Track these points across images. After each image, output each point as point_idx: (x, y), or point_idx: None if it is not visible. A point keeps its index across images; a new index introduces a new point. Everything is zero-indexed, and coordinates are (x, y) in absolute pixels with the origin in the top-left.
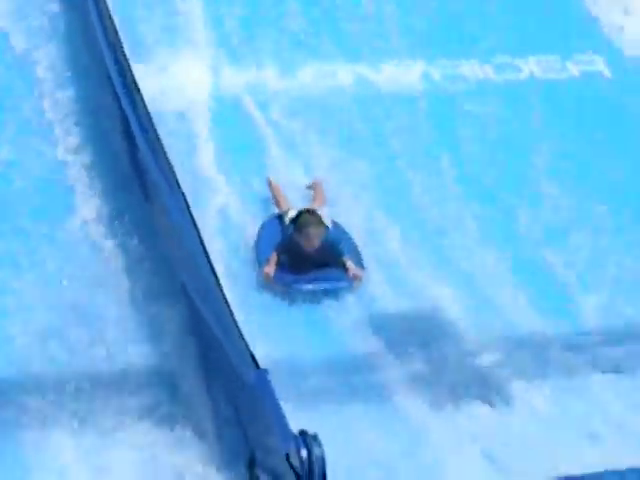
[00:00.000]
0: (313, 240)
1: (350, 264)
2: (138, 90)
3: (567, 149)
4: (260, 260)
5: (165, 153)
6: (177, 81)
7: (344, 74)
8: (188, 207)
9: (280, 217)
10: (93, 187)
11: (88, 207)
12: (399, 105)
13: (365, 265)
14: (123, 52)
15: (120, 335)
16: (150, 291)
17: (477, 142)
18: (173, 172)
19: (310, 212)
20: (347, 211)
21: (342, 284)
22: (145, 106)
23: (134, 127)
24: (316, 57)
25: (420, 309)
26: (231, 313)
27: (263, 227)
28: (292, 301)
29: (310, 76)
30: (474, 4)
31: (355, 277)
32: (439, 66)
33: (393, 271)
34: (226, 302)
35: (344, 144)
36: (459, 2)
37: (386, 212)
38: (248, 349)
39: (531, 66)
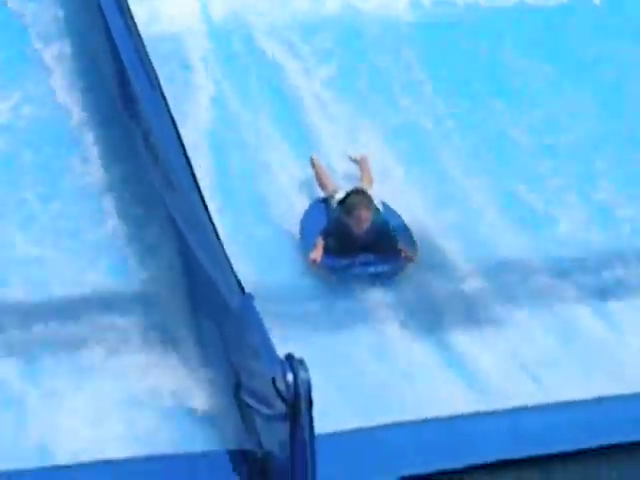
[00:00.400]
0: (363, 223)
1: (404, 248)
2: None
3: (558, 72)
4: (306, 245)
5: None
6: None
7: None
8: (176, 128)
9: (326, 200)
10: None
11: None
12: (386, 32)
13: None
14: None
15: (107, 257)
16: (137, 215)
17: (466, 67)
18: (163, 96)
19: (360, 192)
20: None
21: (394, 268)
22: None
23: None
24: None
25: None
26: (218, 239)
27: (308, 213)
28: (277, 228)
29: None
30: None
31: (408, 259)
32: None
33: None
34: (214, 227)
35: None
36: None
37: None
38: (234, 274)
39: None
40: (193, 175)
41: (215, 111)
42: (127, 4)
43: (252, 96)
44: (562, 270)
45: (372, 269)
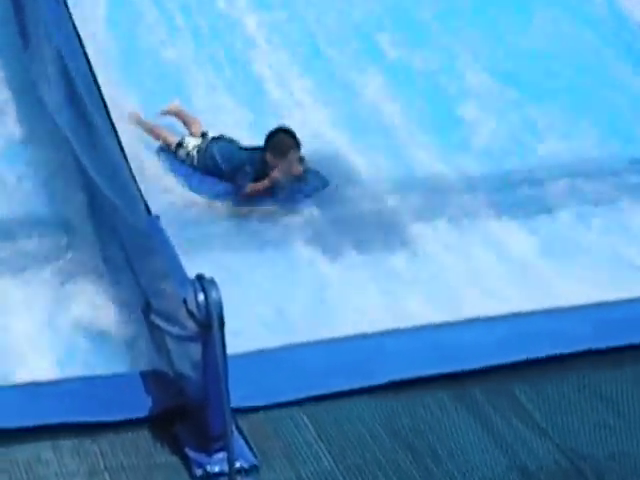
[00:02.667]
0: (297, 165)
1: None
2: None
3: None
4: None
5: None
6: None
7: None
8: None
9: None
10: None
11: None
12: None
13: None
14: None
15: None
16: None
17: None
18: None
19: (288, 131)
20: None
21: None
22: None
23: None
24: None
25: (318, 153)
26: (125, 159)
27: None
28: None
29: None
30: None
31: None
32: None
33: (291, 115)
34: (120, 146)
35: None
36: None
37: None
38: (140, 195)
39: None
40: (98, 88)
41: None
42: None
43: None
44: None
45: (307, 191)
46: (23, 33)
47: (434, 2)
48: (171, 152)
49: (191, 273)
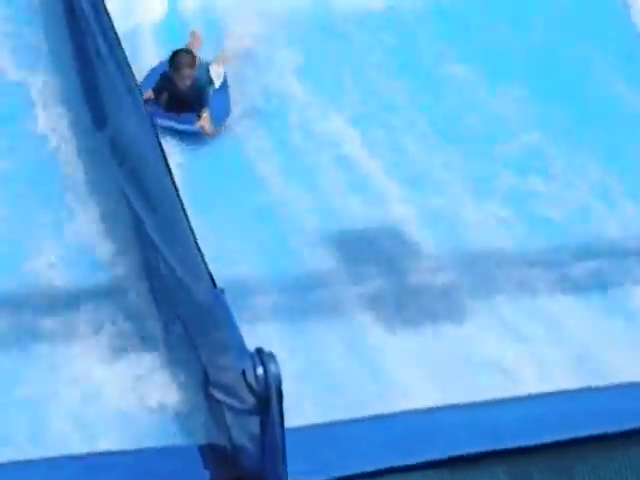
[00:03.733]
0: (185, 79)
1: (205, 116)
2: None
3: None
4: (142, 86)
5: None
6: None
7: None
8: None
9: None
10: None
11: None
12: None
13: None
14: None
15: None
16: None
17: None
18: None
19: (186, 51)
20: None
21: (190, 129)
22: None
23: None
24: None
25: (377, 225)
26: (190, 227)
27: (154, 69)
28: (246, 217)
29: None
30: None
31: (202, 128)
32: None
33: (352, 184)
34: (185, 214)
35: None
36: None
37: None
38: (206, 267)
39: None
40: (167, 166)
41: None
42: None
43: None
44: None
45: (173, 125)
46: (98, 115)
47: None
48: None
49: (250, 344)
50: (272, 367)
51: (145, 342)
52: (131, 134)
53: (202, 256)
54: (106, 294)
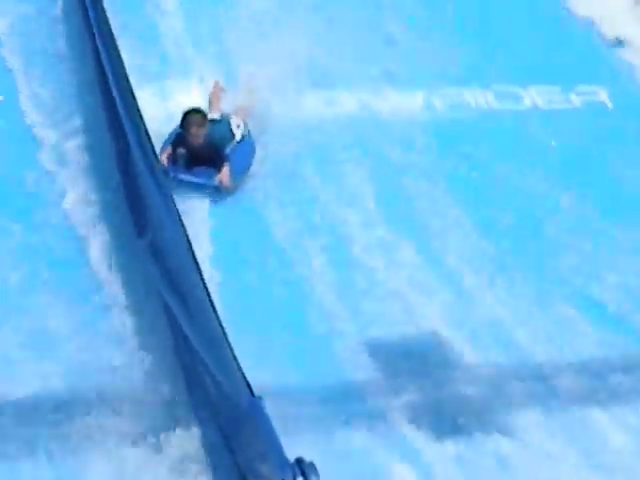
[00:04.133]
0: (195, 138)
1: (225, 170)
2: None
3: (567, 179)
4: (161, 148)
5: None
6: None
7: (347, 101)
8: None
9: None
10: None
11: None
12: (401, 132)
13: (239, 183)
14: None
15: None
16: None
17: (478, 169)
18: None
19: (198, 111)
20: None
21: (209, 183)
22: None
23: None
24: (319, 84)
25: (416, 334)
26: (225, 335)
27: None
28: (287, 326)
29: (313, 103)
30: (476, 32)
31: (221, 183)
32: (441, 94)
33: (389, 295)
34: (219, 323)
35: (347, 173)
36: (461, 30)
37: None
38: (243, 376)
39: (533, 96)
40: (200, 273)
41: None
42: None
43: None
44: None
45: (193, 179)
46: (138, 221)
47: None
48: None
49: (290, 454)
50: (313, 477)
51: (183, 445)
52: (169, 242)
53: (239, 363)
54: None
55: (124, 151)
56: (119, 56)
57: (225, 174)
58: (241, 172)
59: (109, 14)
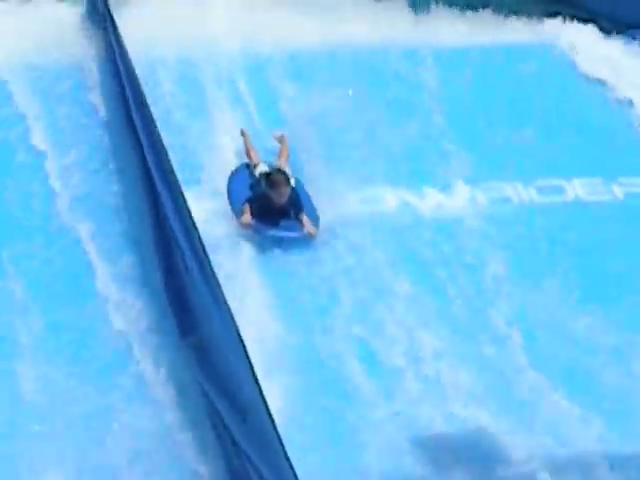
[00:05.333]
0: (283, 197)
1: (306, 220)
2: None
3: (612, 270)
4: (234, 209)
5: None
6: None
7: (389, 199)
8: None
9: (248, 167)
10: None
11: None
12: (444, 229)
13: (319, 225)
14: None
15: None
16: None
17: (524, 263)
18: None
19: (281, 172)
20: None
21: (298, 235)
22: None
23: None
24: (361, 181)
25: (461, 428)
26: (275, 430)
27: (233, 174)
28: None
29: (355, 201)
30: (517, 125)
31: (309, 233)
32: (484, 189)
33: (432, 388)
34: (269, 414)
35: (388, 269)
36: (502, 123)
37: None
38: (288, 461)
39: (576, 188)
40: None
41: None
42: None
43: None
44: None
45: (281, 233)
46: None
47: None
48: (250, 168)
49: None
50: None
51: None
52: (217, 345)
53: (292, 465)
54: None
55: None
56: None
57: (308, 223)
58: (315, 216)
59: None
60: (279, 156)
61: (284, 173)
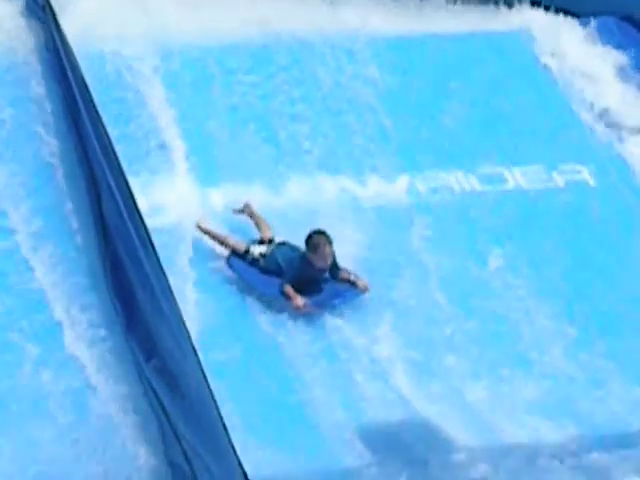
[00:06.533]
0: (328, 257)
1: (354, 276)
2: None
3: (551, 258)
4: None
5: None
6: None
7: (329, 188)
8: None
9: (234, 254)
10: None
11: None
12: (385, 218)
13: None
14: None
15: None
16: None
17: (462, 252)
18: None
19: (320, 232)
20: None
21: (359, 294)
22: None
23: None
24: (301, 171)
25: (405, 420)
26: (222, 422)
27: (232, 265)
28: (276, 410)
29: (295, 190)
30: (458, 115)
31: (364, 286)
32: (424, 178)
33: (381, 382)
34: (217, 408)
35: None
36: (443, 113)
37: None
38: (237, 457)
39: (516, 176)
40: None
41: None
42: None
43: None
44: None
45: (342, 299)
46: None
47: None
48: (240, 257)
49: None
50: None
51: None
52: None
53: (232, 443)
54: None
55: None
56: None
57: (354, 276)
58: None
59: None
60: (259, 228)
61: (323, 232)
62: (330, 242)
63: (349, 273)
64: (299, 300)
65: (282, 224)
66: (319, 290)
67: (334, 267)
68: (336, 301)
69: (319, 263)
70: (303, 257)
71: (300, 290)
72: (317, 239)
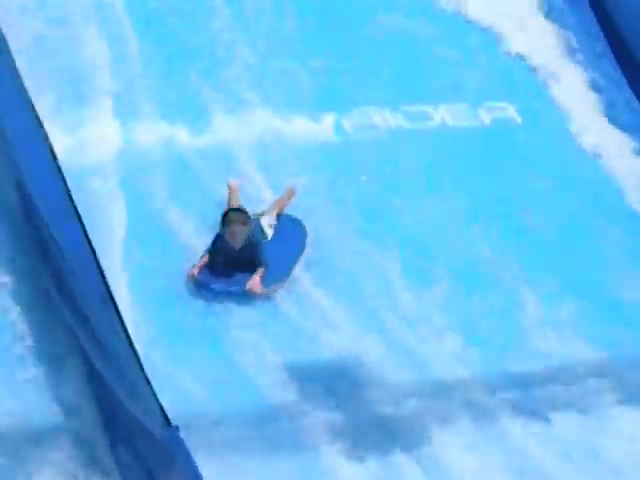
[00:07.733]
0: (235, 238)
1: (255, 277)
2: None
3: (479, 196)
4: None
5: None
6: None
7: (257, 125)
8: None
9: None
10: None
11: None
12: (310, 156)
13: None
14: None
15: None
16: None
17: (388, 192)
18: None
19: (241, 210)
20: None
21: (239, 290)
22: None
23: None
24: (229, 107)
25: (338, 356)
26: (139, 363)
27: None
28: (206, 349)
29: (223, 126)
30: (385, 52)
31: (249, 289)
32: (350, 116)
33: (312, 318)
34: (136, 356)
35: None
36: (368, 50)
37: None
38: (159, 405)
39: (442, 114)
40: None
41: None
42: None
43: None
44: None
45: (230, 288)
46: None
47: None
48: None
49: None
50: None
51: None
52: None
53: (154, 392)
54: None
55: None
56: None
57: (255, 280)
58: (276, 277)
59: None
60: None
61: (242, 211)
62: (244, 223)
63: (260, 274)
64: (194, 269)
65: (203, 161)
66: (231, 275)
67: (253, 258)
68: (219, 286)
69: (229, 240)
70: (220, 232)
71: (214, 267)
72: (230, 216)
